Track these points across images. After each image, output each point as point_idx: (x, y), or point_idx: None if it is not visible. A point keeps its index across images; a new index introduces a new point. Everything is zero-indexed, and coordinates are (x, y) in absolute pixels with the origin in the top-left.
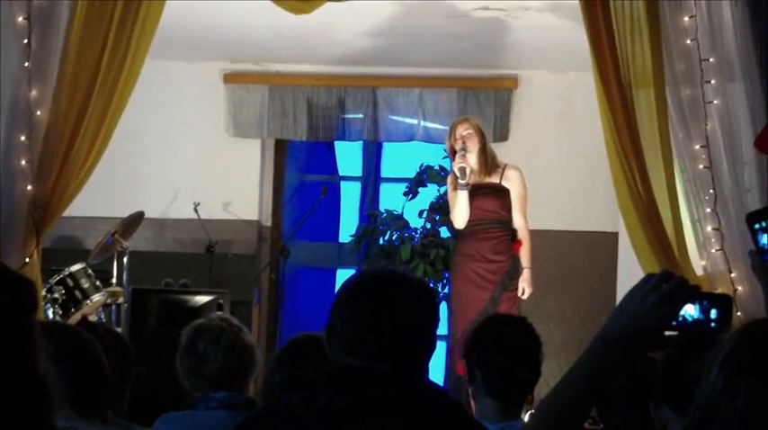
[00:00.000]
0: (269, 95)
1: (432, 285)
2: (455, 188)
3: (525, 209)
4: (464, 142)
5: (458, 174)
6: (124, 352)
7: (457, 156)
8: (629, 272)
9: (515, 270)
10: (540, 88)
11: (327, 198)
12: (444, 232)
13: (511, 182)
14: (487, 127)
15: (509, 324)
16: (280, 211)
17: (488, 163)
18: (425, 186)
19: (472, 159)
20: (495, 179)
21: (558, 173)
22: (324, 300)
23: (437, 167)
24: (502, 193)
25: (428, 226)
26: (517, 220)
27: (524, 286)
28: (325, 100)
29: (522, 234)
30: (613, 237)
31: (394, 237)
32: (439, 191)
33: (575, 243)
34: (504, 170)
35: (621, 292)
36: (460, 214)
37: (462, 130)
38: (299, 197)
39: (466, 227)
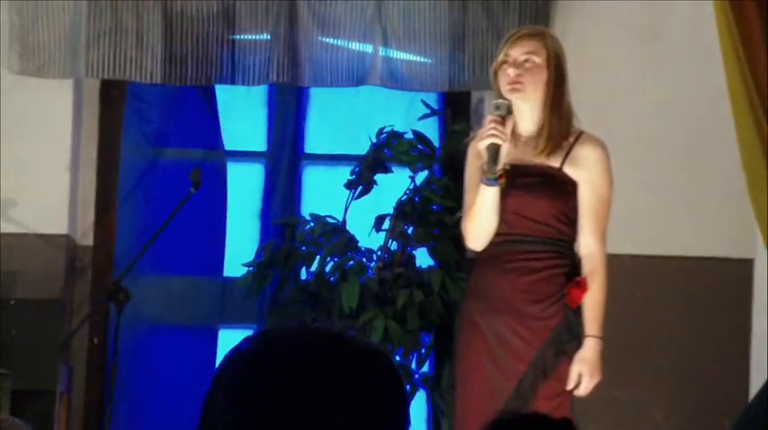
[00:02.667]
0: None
1: (398, 359)
2: (480, 169)
3: (605, 224)
4: (515, 76)
5: (483, 156)
6: None
7: (489, 116)
8: None
9: (570, 336)
10: None
11: (203, 193)
12: (423, 257)
13: (583, 168)
14: None
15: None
16: (111, 220)
17: (559, 129)
18: (388, 172)
19: (527, 120)
20: (553, 160)
21: (641, 153)
22: (191, 385)
23: (410, 136)
24: (563, 188)
25: (393, 246)
26: (586, 243)
27: (582, 370)
28: (199, 8)
29: (591, 268)
30: (746, 266)
31: (328, 267)
32: (413, 179)
33: (678, 278)
34: (573, 145)
35: (759, 364)
36: (481, 224)
37: (522, 51)
38: (149, 191)
39: (486, 246)
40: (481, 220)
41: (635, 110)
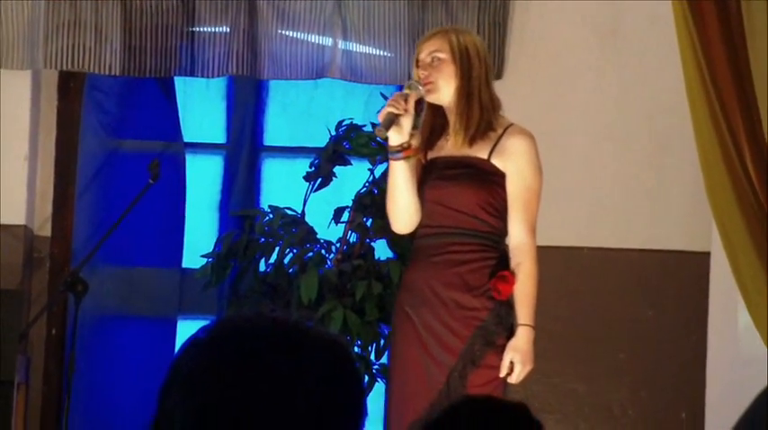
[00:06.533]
0: None
1: (357, 350)
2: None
3: (534, 214)
4: (423, 77)
5: (378, 124)
6: None
7: (397, 93)
8: (727, 319)
9: (499, 326)
10: None
11: (162, 184)
12: (382, 249)
13: (510, 159)
14: None
15: (490, 413)
16: (69, 211)
17: (474, 118)
18: (347, 164)
19: (451, 115)
20: (481, 151)
21: (599, 148)
22: (150, 375)
23: (369, 129)
24: (489, 179)
25: (352, 238)
26: (516, 234)
27: (514, 358)
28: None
29: (520, 260)
30: (702, 259)
31: (287, 259)
32: (372, 172)
33: (636, 270)
34: (500, 137)
35: (715, 356)
36: (397, 203)
37: (427, 52)
38: (107, 182)
39: (414, 237)
40: (397, 199)
41: (594, 106)
